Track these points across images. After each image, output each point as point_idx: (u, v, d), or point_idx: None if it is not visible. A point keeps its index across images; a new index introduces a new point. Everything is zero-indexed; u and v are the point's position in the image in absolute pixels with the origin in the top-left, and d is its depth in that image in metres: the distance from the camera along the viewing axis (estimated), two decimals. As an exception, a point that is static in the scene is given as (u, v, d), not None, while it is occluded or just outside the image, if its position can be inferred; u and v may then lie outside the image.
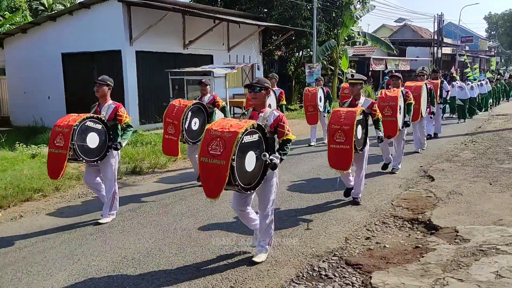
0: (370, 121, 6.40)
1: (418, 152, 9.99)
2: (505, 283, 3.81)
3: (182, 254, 4.71)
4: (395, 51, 27.64)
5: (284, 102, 10.21)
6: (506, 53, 79.41)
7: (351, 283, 4.01)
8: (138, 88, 14.77)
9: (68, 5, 23.46)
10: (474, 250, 4.54)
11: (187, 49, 16.51)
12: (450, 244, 4.78)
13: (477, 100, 17.63)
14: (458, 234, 5.02)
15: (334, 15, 22.91)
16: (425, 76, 10.48)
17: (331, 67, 23.89)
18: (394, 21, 50.56)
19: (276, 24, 19.96)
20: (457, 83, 16.58)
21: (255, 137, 4.15)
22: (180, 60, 16.03)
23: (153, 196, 7.08)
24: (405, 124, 8.06)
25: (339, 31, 22.87)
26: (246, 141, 4.01)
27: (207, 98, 7.60)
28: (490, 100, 20.72)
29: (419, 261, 4.38)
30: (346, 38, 24.27)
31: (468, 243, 4.75)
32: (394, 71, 13.12)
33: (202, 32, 16.38)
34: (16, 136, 12.84)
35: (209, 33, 16.61)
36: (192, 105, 7.12)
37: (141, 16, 14.44)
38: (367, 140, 6.25)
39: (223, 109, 7.60)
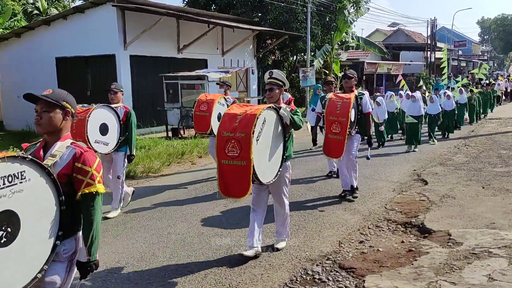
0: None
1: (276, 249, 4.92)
2: (497, 286, 3.83)
3: (175, 258, 4.70)
4: (386, 55, 27.78)
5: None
6: (499, 57, 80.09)
7: (344, 287, 4.02)
8: (132, 92, 14.75)
9: (63, 9, 23.40)
10: (466, 254, 4.56)
11: (181, 53, 16.52)
12: (443, 247, 4.80)
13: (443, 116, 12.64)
14: (451, 237, 5.04)
15: (328, 19, 23.02)
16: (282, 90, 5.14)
17: (326, 71, 23.97)
18: (388, 26, 50.71)
19: (270, 29, 20.03)
20: (408, 92, 12.26)
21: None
22: (174, 65, 16.05)
23: (146, 200, 7.06)
24: None
25: (333, 35, 22.98)
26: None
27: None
28: (466, 116, 15.95)
29: (412, 264, 4.40)
30: (339, 43, 24.36)
31: (461, 246, 4.78)
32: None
33: (197, 37, 16.40)
34: (10, 140, 12.77)
35: (203, 37, 16.64)
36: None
37: (135, 20, 14.45)
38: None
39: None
